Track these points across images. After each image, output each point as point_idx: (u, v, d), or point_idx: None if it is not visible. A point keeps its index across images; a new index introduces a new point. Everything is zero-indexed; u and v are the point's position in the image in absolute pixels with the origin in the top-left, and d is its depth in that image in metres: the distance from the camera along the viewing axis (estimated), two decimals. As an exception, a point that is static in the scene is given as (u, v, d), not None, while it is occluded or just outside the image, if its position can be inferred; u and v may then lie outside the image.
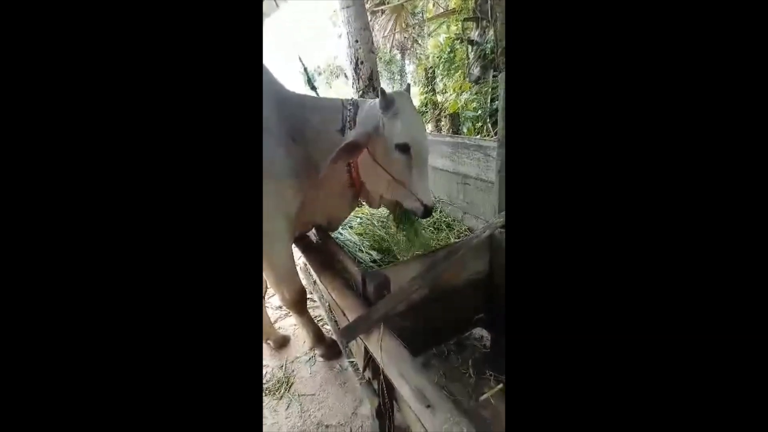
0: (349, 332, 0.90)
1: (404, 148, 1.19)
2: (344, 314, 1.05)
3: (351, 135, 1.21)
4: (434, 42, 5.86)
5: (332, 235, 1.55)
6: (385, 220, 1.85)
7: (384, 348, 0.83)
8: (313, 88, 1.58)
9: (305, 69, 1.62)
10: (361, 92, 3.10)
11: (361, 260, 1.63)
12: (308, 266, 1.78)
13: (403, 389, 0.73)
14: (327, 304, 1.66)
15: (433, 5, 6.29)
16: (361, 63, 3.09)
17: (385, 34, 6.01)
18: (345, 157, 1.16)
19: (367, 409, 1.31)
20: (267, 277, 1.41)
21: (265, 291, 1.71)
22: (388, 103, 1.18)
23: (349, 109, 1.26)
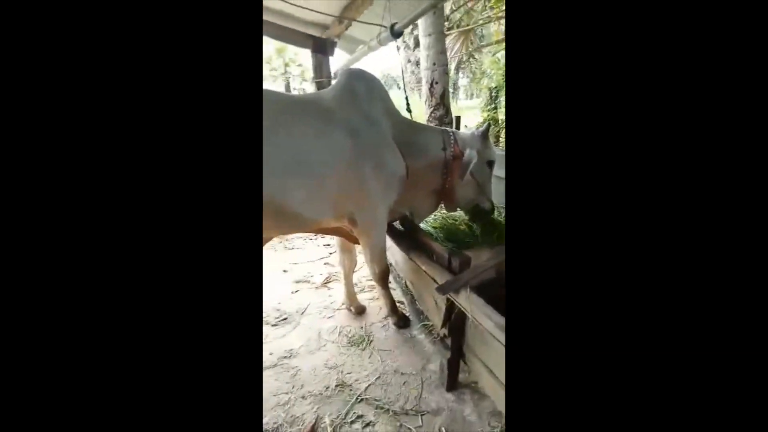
0: (445, 288, 1.24)
1: (490, 164, 1.83)
2: (434, 280, 1.39)
3: (468, 155, 1.73)
4: (492, 60, 6.12)
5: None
6: (457, 218, 2.23)
7: (472, 300, 1.16)
8: (410, 111, 2.00)
9: (407, 98, 2.05)
10: (432, 108, 3.48)
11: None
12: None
13: (488, 324, 1.05)
14: (404, 281, 2.02)
15: (499, 26, 6.59)
16: (436, 83, 3.48)
17: (452, 55, 6.39)
18: (468, 170, 1.72)
19: (435, 365, 1.62)
20: (364, 254, 1.80)
21: (354, 267, 2.11)
22: (485, 133, 1.82)
23: (450, 135, 1.82)
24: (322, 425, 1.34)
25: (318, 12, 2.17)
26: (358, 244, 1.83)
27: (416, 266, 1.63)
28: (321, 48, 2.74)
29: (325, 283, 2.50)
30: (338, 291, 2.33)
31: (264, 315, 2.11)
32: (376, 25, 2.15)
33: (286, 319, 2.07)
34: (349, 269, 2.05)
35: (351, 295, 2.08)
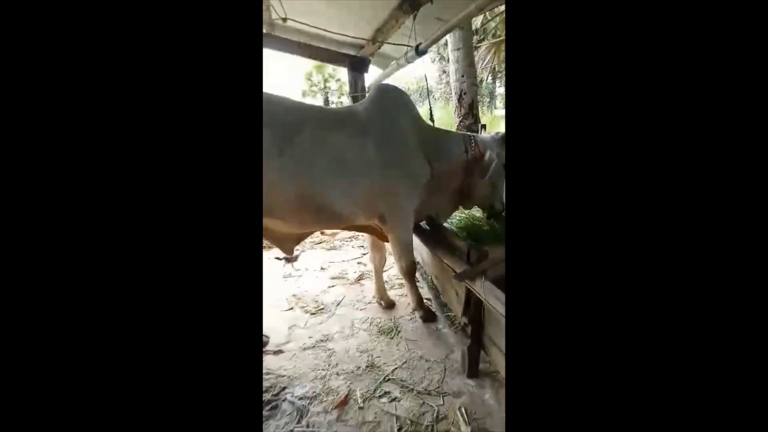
0: (462, 275, 1.39)
1: (506, 167, 1.88)
2: (454, 270, 1.54)
3: (489, 156, 1.91)
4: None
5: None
6: (480, 219, 2.36)
7: (485, 287, 1.29)
8: (432, 120, 2.21)
9: (430, 108, 2.26)
10: (461, 117, 3.64)
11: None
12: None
13: (499, 307, 1.18)
14: (430, 278, 2.17)
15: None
16: (465, 94, 3.63)
17: (483, 65, 6.50)
18: (489, 169, 1.89)
19: (458, 355, 1.75)
20: (393, 251, 1.98)
21: (384, 263, 2.30)
22: (504, 137, 1.95)
23: (471, 138, 1.99)
24: (354, 397, 1.53)
25: (353, 37, 2.43)
26: (388, 242, 2.02)
27: (440, 261, 1.79)
28: (356, 65, 3.01)
29: (358, 279, 2.71)
30: (370, 287, 2.52)
31: (304, 305, 2.35)
32: (404, 45, 2.37)
33: (323, 309, 2.29)
34: (380, 265, 2.24)
35: (381, 290, 2.27)
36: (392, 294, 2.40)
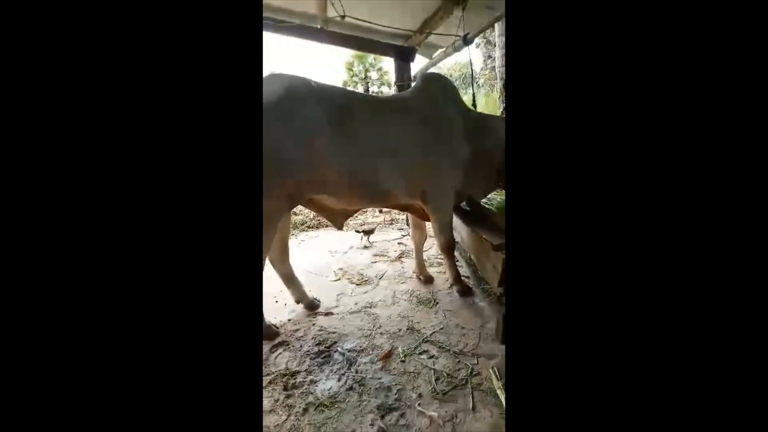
0: (500, 246, 1.52)
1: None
2: (492, 244, 1.67)
3: None
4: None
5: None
6: None
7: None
8: (474, 106, 2.32)
9: (474, 95, 2.36)
10: (505, 104, 3.66)
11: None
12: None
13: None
14: (468, 255, 2.30)
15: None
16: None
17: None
18: None
19: (492, 324, 1.88)
20: (433, 228, 2.13)
21: (424, 240, 2.46)
22: None
23: None
24: (396, 352, 1.72)
25: (402, 29, 2.57)
26: (428, 221, 2.17)
27: (478, 237, 1.91)
28: (403, 55, 3.14)
29: (399, 257, 2.90)
30: (409, 264, 2.70)
31: (349, 277, 2.59)
32: (452, 35, 2.47)
33: (367, 281, 2.51)
34: (420, 242, 2.41)
35: (421, 265, 2.44)
36: (431, 271, 2.56)
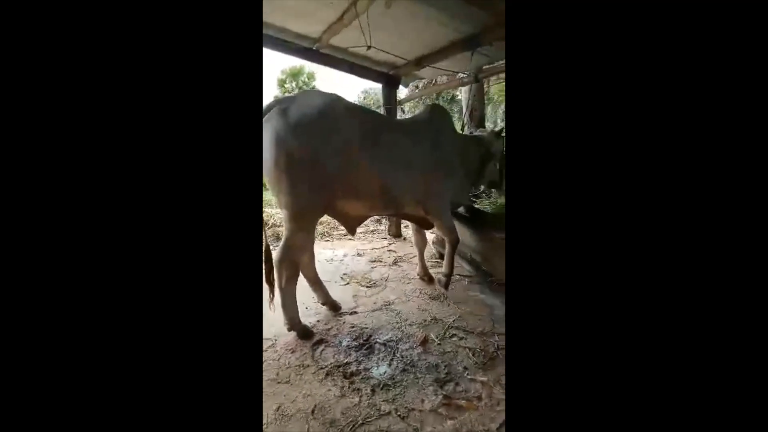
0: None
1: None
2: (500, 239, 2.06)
3: (494, 148, 2.61)
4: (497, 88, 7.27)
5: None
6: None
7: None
8: (462, 129, 2.81)
9: (462, 120, 2.85)
10: (470, 132, 4.29)
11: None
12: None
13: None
14: (469, 254, 2.69)
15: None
16: (475, 110, 4.25)
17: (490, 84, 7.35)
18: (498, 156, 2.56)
19: (502, 311, 2.25)
20: (440, 231, 2.45)
21: (426, 246, 2.78)
22: (498, 132, 2.66)
23: (484, 137, 2.69)
24: (430, 338, 1.98)
25: (403, 58, 2.96)
26: (427, 228, 2.51)
27: (485, 235, 2.30)
28: (391, 82, 3.52)
29: (395, 262, 3.16)
30: (407, 267, 2.98)
31: (357, 281, 2.76)
32: (448, 71, 2.93)
33: (375, 283, 2.72)
34: (422, 247, 2.73)
35: (424, 268, 2.74)
36: (432, 272, 2.88)
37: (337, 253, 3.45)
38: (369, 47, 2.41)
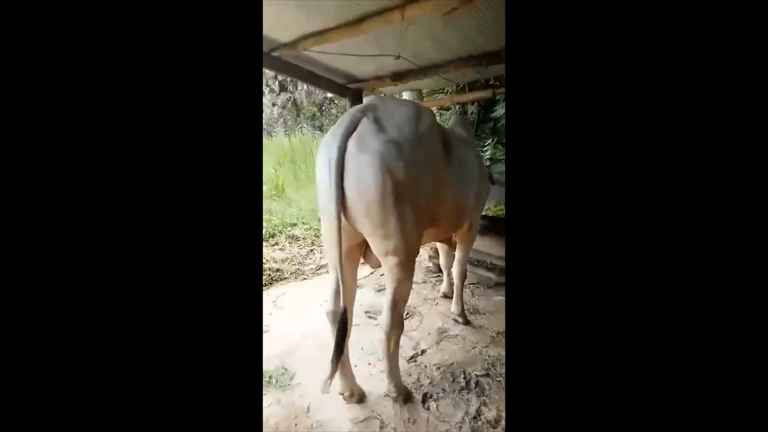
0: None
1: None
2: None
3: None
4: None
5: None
6: None
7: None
8: None
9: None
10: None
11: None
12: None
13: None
14: (489, 261, 2.84)
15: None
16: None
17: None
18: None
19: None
20: (460, 254, 2.36)
21: (452, 264, 2.77)
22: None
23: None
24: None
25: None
26: (455, 249, 2.42)
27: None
28: (354, 96, 3.32)
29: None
30: (416, 287, 2.90)
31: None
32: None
33: (408, 314, 2.53)
34: (449, 266, 2.69)
35: (450, 286, 2.73)
36: (428, 287, 2.89)
37: (321, 289, 3.01)
38: (398, 57, 2.22)
